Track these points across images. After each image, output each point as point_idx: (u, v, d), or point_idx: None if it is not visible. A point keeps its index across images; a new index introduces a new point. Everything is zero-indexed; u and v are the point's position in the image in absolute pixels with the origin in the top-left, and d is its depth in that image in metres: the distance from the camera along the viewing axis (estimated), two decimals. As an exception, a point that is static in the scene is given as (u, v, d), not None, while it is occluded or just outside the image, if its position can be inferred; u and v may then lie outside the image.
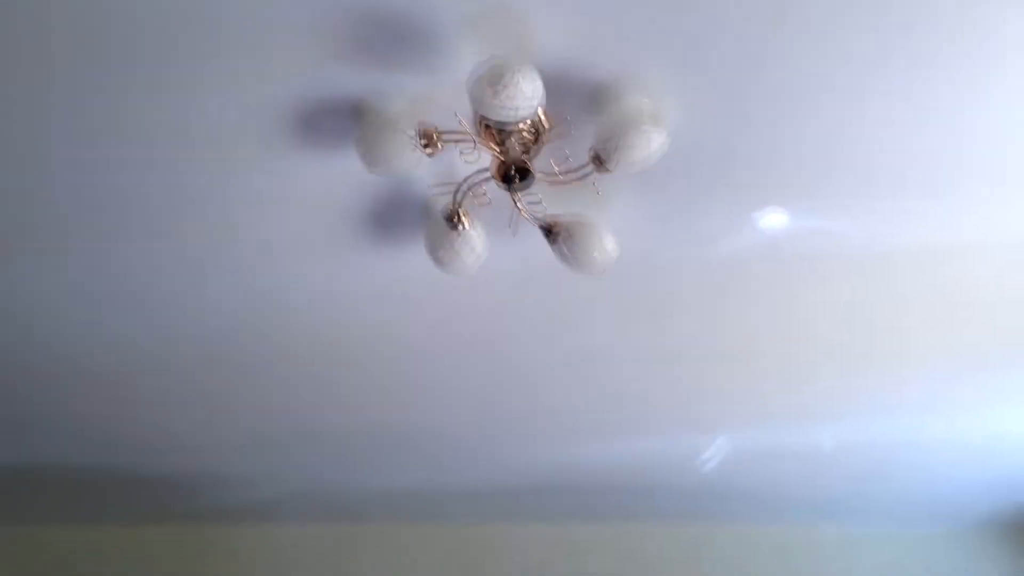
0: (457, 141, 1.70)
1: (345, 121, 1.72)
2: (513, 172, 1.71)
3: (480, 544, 3.33)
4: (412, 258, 2.08)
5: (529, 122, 1.63)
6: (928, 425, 2.80)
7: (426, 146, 1.67)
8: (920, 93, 1.69)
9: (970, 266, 2.16)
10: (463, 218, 1.83)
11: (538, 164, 1.73)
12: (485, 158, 1.74)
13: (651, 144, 1.65)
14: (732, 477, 3.07)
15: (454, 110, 1.65)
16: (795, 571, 3.25)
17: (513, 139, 1.68)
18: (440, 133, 1.68)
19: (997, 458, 2.97)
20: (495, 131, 1.68)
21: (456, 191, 1.80)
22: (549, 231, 1.87)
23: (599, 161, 1.68)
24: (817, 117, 1.75)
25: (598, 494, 3.21)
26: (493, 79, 1.48)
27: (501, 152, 1.70)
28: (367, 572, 3.30)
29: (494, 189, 1.77)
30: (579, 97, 1.69)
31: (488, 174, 1.74)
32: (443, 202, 1.86)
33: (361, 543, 3.35)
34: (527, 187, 1.73)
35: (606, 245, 1.89)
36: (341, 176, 1.87)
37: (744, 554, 3.30)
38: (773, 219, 2.02)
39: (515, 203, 1.81)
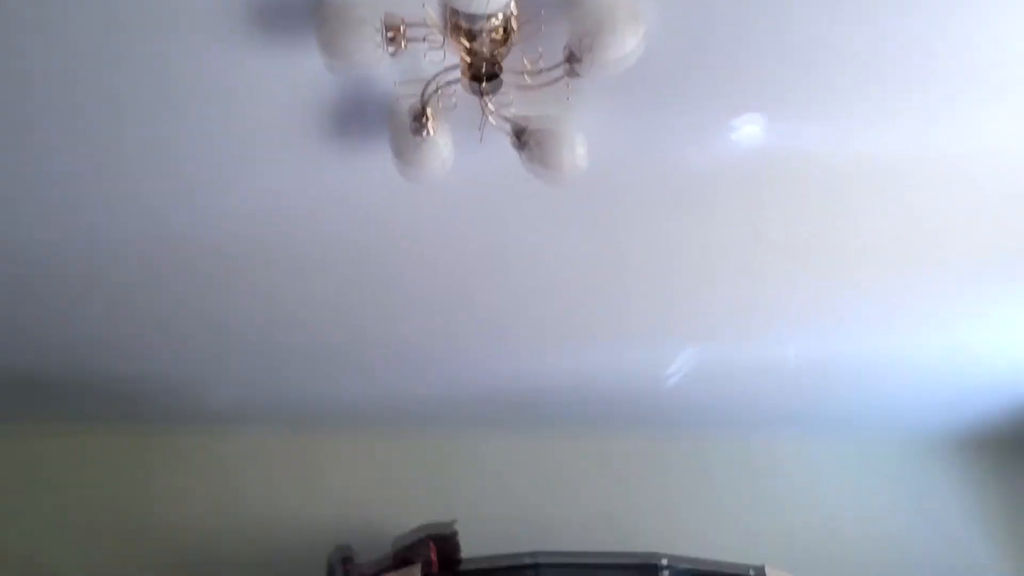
0: (424, 38, 1.63)
1: (304, 9, 1.63)
2: (482, 72, 1.64)
3: (446, 456, 3.33)
4: (374, 163, 2.01)
5: (501, 16, 1.56)
6: (892, 338, 2.83)
7: (392, 40, 1.59)
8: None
9: (936, 180, 2.16)
10: (429, 121, 1.77)
11: (509, 66, 1.66)
12: (452, 59, 1.67)
13: (626, 44, 1.59)
14: (697, 390, 3.09)
15: (422, 2, 1.58)
16: (758, 480, 3.31)
17: (484, 37, 1.61)
18: (407, 26, 1.60)
19: (956, 374, 3.03)
20: (464, 28, 1.61)
21: (423, 92, 1.73)
22: (518, 137, 1.82)
23: (572, 61, 1.62)
24: (793, 20, 1.71)
25: (565, 406, 3.22)
26: (463, -32, 1.41)
27: (470, 51, 1.63)
28: (330, 483, 3.28)
29: (461, 93, 1.71)
30: (553, -8, 1.62)
31: (456, 74, 1.68)
32: (408, 104, 1.78)
33: (324, 453, 3.33)
34: (496, 89, 1.67)
35: (576, 153, 1.85)
36: (300, 72, 1.78)
37: (708, 464, 3.34)
38: (746, 128, 1.99)
39: (483, 107, 1.75)
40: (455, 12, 1.54)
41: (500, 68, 1.65)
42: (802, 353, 2.91)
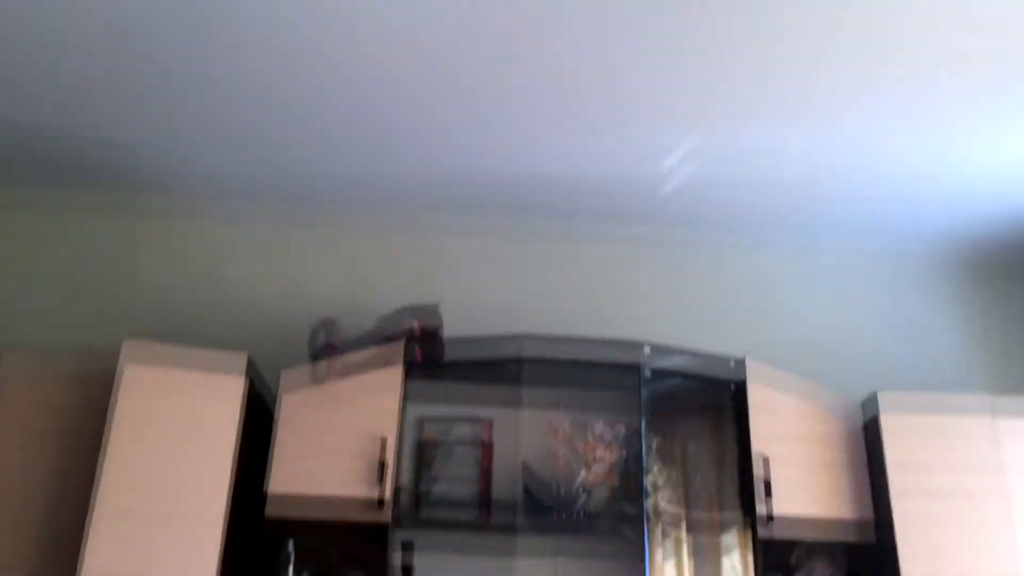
0: None
1: None
2: None
3: (433, 242, 3.26)
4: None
5: None
6: (896, 145, 2.71)
7: None
8: None
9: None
10: None
11: None
12: None
13: None
14: (694, 190, 3.00)
15: None
16: (745, 283, 3.26)
17: None
18: None
19: (953, 191, 2.94)
20: None
21: None
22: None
23: None
24: None
25: (556, 196, 3.12)
26: None
27: None
28: (315, 263, 3.22)
29: None
30: None
31: None
32: None
33: (310, 234, 3.25)
34: None
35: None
36: None
37: (697, 264, 3.28)
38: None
39: None
40: None
41: None
42: (803, 156, 2.80)
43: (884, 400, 2.62)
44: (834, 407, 2.71)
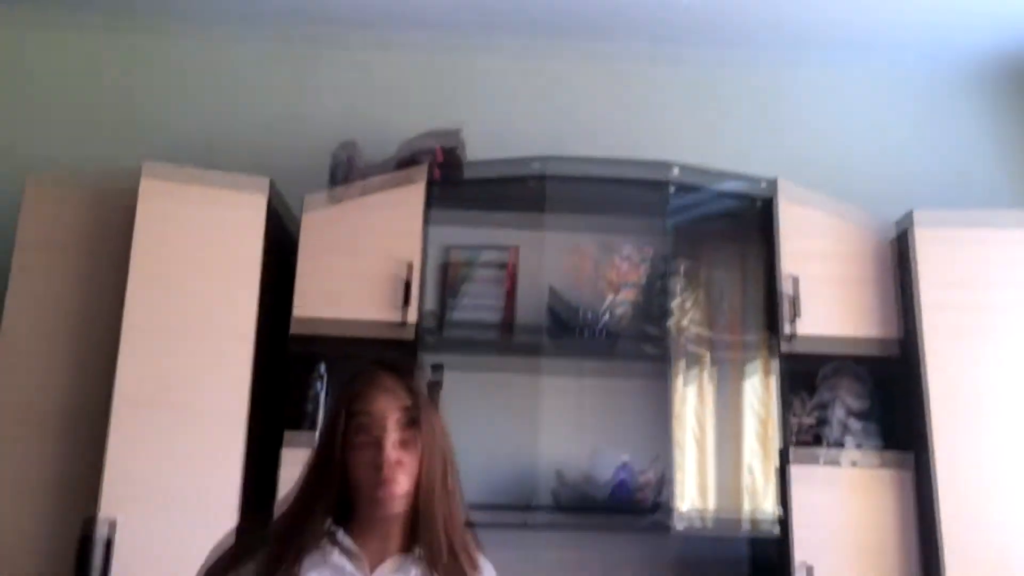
0: None
1: None
2: None
3: (452, 64, 3.12)
4: None
5: None
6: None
7: None
8: None
9: None
10: None
11: None
12: None
13: None
14: (722, 11, 2.81)
15: None
16: (773, 101, 3.12)
17: None
18: None
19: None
20: None
21: None
22: None
23: None
24: None
25: (577, 11, 2.95)
26: None
27: None
28: (332, 89, 3.10)
29: None
30: None
31: None
32: None
33: (325, 58, 3.12)
34: None
35: None
36: None
37: (724, 83, 3.13)
38: None
39: None
40: None
41: None
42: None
43: (919, 217, 2.52)
44: (866, 226, 2.62)
